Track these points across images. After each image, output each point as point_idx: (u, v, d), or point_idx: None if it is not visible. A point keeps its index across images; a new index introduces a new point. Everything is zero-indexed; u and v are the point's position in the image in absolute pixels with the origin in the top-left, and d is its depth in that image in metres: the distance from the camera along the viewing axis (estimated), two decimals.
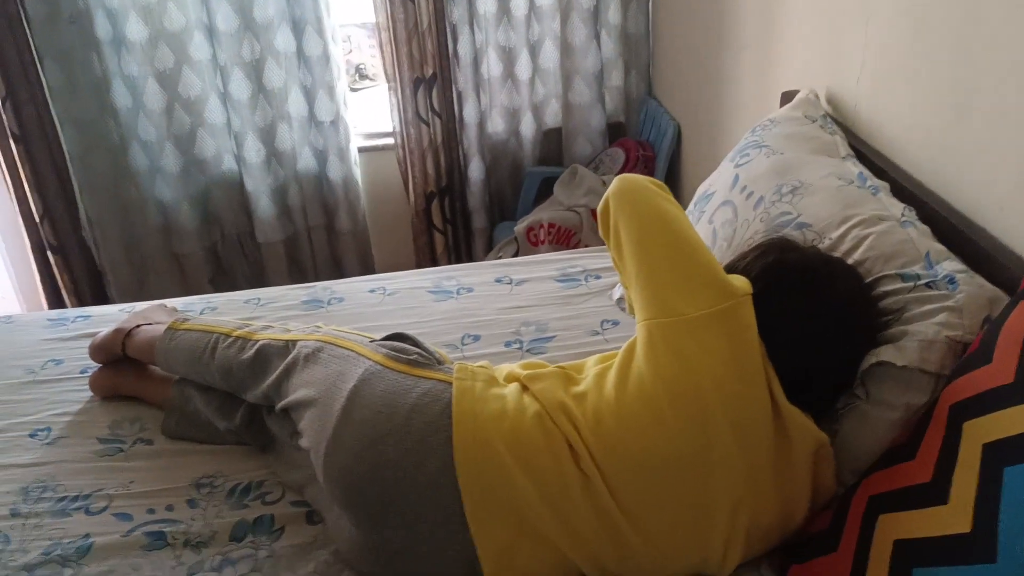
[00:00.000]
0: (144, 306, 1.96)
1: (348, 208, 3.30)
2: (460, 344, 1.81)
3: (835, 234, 1.40)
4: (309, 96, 3.13)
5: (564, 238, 3.02)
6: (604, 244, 2.48)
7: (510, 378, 1.33)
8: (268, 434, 1.55)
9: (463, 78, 3.18)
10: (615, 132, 3.42)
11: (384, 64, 3.16)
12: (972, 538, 0.97)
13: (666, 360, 1.20)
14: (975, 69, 1.36)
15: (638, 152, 3.13)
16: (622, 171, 3.13)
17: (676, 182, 3.15)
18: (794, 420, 1.19)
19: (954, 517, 1.01)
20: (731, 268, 1.32)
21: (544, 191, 3.25)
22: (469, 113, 3.23)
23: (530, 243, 3.01)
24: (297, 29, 3.02)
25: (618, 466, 1.18)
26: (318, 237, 3.37)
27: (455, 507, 1.18)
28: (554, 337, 1.82)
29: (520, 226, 3.05)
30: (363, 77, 4.06)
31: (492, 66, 3.19)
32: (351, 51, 4.05)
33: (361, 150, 3.33)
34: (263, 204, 3.20)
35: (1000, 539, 0.94)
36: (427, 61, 3.10)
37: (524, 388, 1.28)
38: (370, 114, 3.58)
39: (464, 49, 3.13)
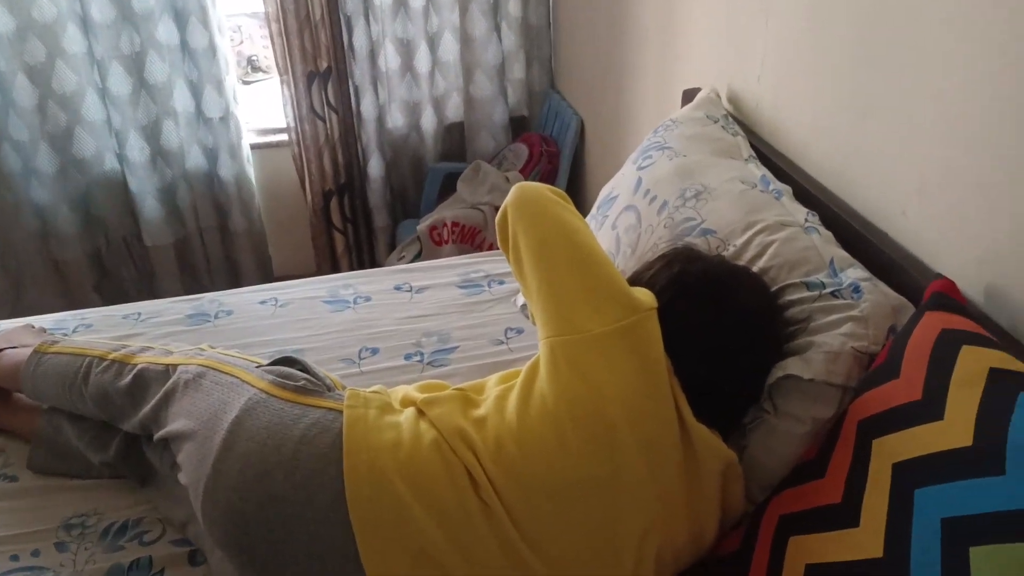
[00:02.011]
0: (7, 326, 1.80)
1: (242, 208, 3.15)
2: (357, 358, 1.71)
3: (739, 241, 1.37)
4: (196, 91, 2.96)
5: (468, 236, 2.94)
6: None
7: (406, 402, 1.25)
8: (147, 465, 1.43)
9: (360, 71, 3.06)
10: (518, 126, 3.36)
11: (276, 57, 3.01)
12: (884, 563, 0.94)
13: (569, 379, 1.14)
14: (875, 69, 1.34)
15: (541, 147, 3.08)
16: (526, 166, 3.07)
17: (580, 177, 3.11)
18: (701, 438, 1.15)
19: (866, 541, 0.98)
20: (635, 280, 1.27)
21: (447, 187, 3.16)
22: (367, 108, 3.11)
23: (433, 242, 2.92)
24: (180, 20, 2.85)
25: (521, 493, 1.11)
26: (211, 238, 3.21)
27: (348, 544, 1.10)
28: (457, 348, 1.74)
29: (423, 225, 2.96)
30: (256, 69, 3.88)
31: (390, 59, 3.08)
32: (242, 42, 3.86)
33: (254, 147, 3.18)
34: (149, 205, 3.02)
35: (912, 565, 0.91)
36: (321, 54, 2.97)
37: (421, 414, 1.20)
38: (264, 109, 3.41)
39: (360, 41, 3.01)
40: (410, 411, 1.21)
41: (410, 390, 1.28)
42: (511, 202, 1.27)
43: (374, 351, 1.74)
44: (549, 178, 3.08)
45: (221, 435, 1.19)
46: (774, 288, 1.29)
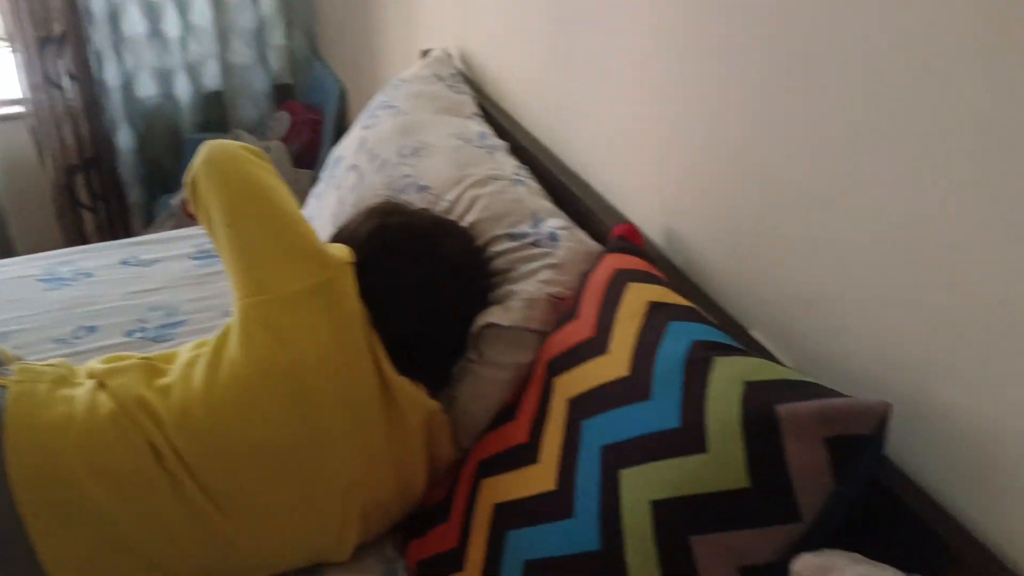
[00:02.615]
0: None
1: None
2: (71, 339, 1.59)
3: (451, 195, 1.37)
4: None
5: None
6: None
7: (91, 375, 1.17)
8: None
9: (99, 36, 2.84)
10: (283, 94, 3.24)
11: (3, 22, 2.75)
12: (556, 494, 0.98)
13: (262, 341, 1.10)
14: (573, 33, 1.38)
15: (304, 115, 2.99)
16: (288, 135, 2.98)
17: None
18: (403, 391, 1.15)
19: (543, 475, 1.01)
20: (337, 236, 1.25)
21: None
22: (111, 75, 2.90)
23: (188, 216, 2.77)
24: None
25: (210, 460, 1.07)
26: None
27: (16, 529, 1.02)
28: (184, 322, 1.66)
29: (177, 199, 2.79)
30: None
31: (134, 23, 2.88)
32: None
33: None
34: None
35: (577, 493, 0.95)
36: (54, 18, 2.74)
37: (102, 385, 1.13)
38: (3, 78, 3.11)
39: (98, 4, 2.79)
40: (90, 383, 1.13)
41: (95, 362, 1.20)
42: (201, 160, 1.21)
43: (91, 329, 1.62)
44: (313, 146, 3.01)
45: None
46: (481, 241, 1.30)
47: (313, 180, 2.93)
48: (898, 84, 0.79)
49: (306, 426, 1.09)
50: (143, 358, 1.19)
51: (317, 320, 1.11)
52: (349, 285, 1.14)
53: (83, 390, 1.11)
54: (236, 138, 2.93)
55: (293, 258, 1.13)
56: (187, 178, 1.23)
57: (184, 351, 1.20)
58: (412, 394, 1.16)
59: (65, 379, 1.14)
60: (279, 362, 1.09)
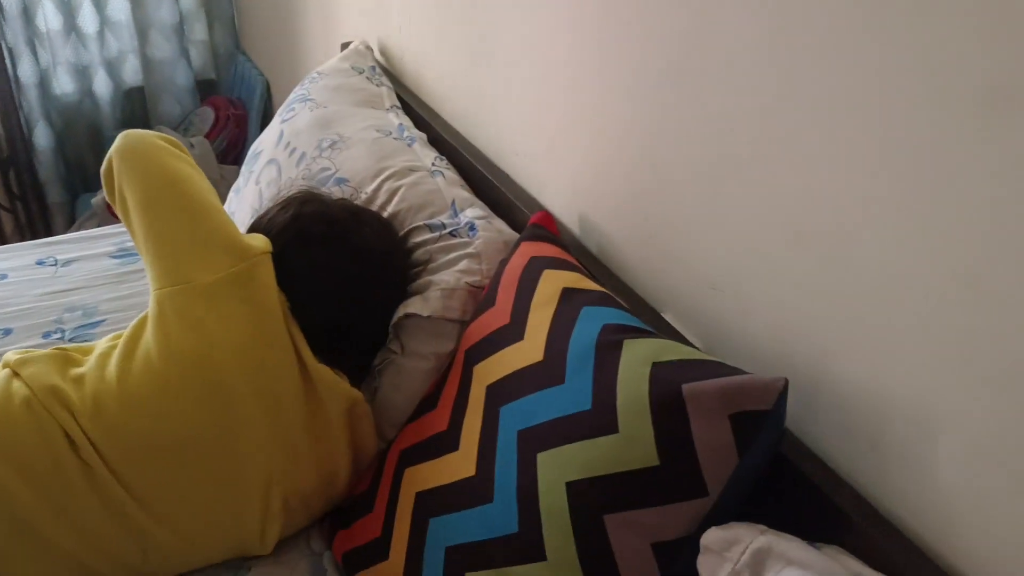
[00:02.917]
0: None
1: None
2: None
3: (370, 188, 1.38)
4: None
5: None
6: None
7: (4, 364, 1.15)
8: None
9: (12, 32, 2.77)
10: (207, 90, 3.20)
11: None
12: (476, 480, 0.99)
13: (178, 332, 1.09)
14: (483, 20, 1.39)
15: (228, 110, 2.95)
16: (212, 130, 2.93)
17: None
18: (324, 380, 1.14)
19: (463, 462, 1.02)
20: (254, 227, 1.25)
21: None
22: (26, 72, 2.83)
23: (111, 215, 2.72)
24: None
25: (125, 454, 1.06)
26: None
27: None
28: (103, 321, 1.63)
29: (99, 197, 2.75)
30: None
31: (49, 18, 2.81)
32: None
33: None
34: None
35: (496, 478, 0.96)
36: None
37: (15, 375, 1.11)
38: None
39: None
40: (3, 373, 1.11)
41: (9, 354, 1.18)
42: (116, 148, 1.18)
43: (7, 331, 1.58)
44: (238, 142, 2.97)
45: None
46: (401, 232, 1.31)
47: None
48: (785, 62, 0.82)
49: (224, 418, 1.08)
50: (58, 349, 1.17)
51: (235, 310, 1.10)
52: (267, 274, 1.14)
53: None
54: None
55: (210, 248, 1.12)
56: (104, 167, 1.21)
57: (101, 342, 1.19)
58: (333, 383, 1.16)
59: None
60: (195, 354, 1.08)
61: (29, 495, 1.02)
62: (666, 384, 0.84)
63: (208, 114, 2.98)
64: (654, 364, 0.87)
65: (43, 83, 2.88)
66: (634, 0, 1.02)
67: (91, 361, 1.12)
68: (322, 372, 1.15)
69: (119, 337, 1.18)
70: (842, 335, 0.81)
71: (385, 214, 1.33)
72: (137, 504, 1.06)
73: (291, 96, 1.71)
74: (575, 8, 1.14)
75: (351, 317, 1.21)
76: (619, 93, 1.08)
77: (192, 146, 2.82)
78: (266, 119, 2.95)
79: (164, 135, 1.23)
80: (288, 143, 1.55)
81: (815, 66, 0.78)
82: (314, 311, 1.17)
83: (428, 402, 1.17)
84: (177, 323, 1.09)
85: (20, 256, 1.82)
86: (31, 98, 2.86)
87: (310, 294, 1.17)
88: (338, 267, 1.20)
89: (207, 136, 2.91)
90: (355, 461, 1.21)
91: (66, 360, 1.14)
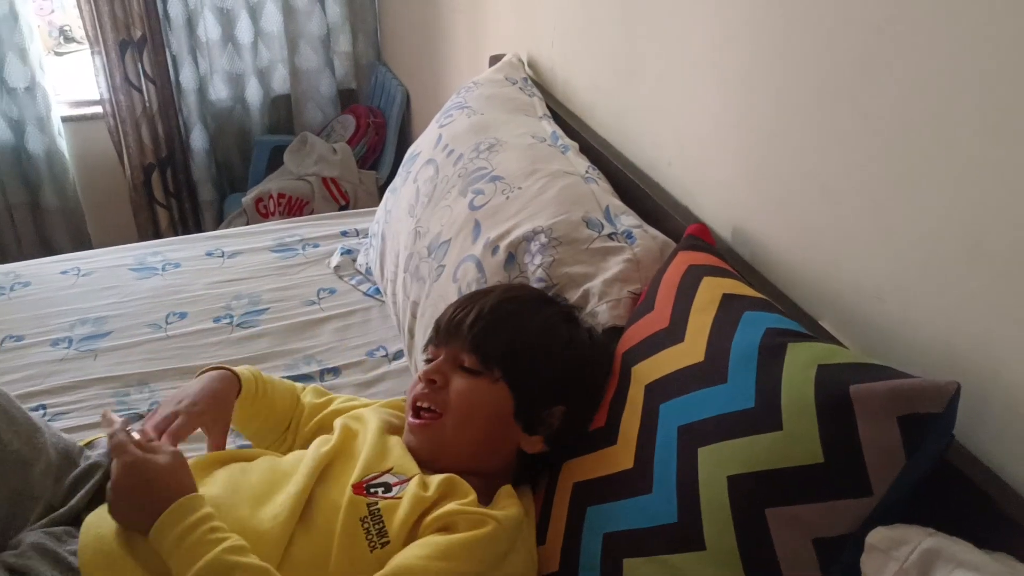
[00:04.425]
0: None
1: (54, 183, 3.01)
2: (164, 323, 1.70)
3: (524, 184, 1.44)
4: None
5: (296, 208, 2.93)
6: (330, 212, 2.42)
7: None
8: None
9: (176, 41, 2.98)
10: (347, 99, 3.35)
11: (85, 25, 2.89)
12: (634, 472, 1.04)
13: None
14: (637, 36, 1.45)
15: (369, 119, 3.09)
16: (353, 138, 3.08)
17: (406, 146, 3.12)
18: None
19: (621, 455, 1.07)
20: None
21: (275, 160, 3.13)
22: (187, 78, 3.04)
23: (260, 214, 2.89)
24: None
25: None
26: (21, 216, 3.05)
27: None
28: (267, 309, 1.75)
29: (248, 197, 2.92)
30: (69, 40, 3.70)
31: (209, 28, 3.01)
32: (53, 11, 3.67)
33: (66, 119, 3.04)
34: None
35: (655, 471, 1.01)
36: (134, 22, 2.88)
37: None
38: (80, 81, 3.26)
39: (175, 10, 2.93)
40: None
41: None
42: None
43: (182, 315, 1.72)
44: (377, 148, 3.10)
45: None
46: (553, 220, 1.35)
47: (378, 181, 3.02)
48: (963, 73, 0.84)
49: None
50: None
51: None
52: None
53: None
54: (303, 140, 3.04)
55: None
56: None
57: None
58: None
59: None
60: None
61: None
62: (833, 385, 0.87)
63: (349, 122, 3.13)
64: (819, 366, 0.90)
65: (201, 89, 3.08)
66: (792, 12, 1.06)
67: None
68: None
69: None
70: (1017, 347, 0.83)
71: (540, 202, 1.38)
72: None
73: (448, 103, 1.80)
74: (730, 22, 1.18)
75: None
76: (778, 105, 1.12)
77: (335, 151, 2.97)
78: (405, 128, 3.08)
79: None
80: (447, 145, 1.64)
81: (995, 75, 0.80)
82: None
83: None
84: None
85: (191, 247, 1.98)
86: (190, 103, 3.06)
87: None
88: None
89: (348, 142, 3.06)
90: None
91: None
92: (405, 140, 3.13)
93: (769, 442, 0.90)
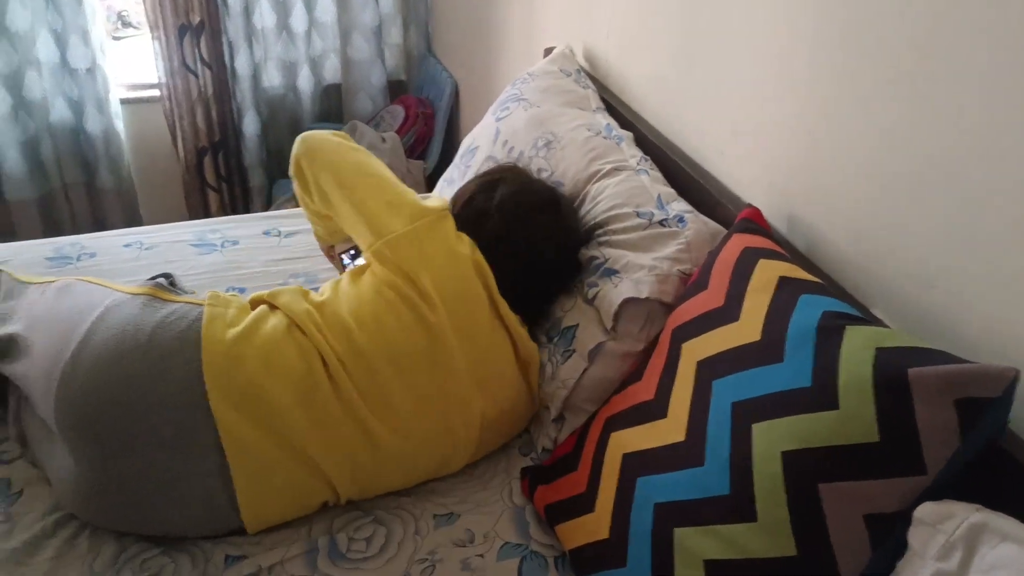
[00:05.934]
0: None
1: (110, 164, 3.09)
2: None
3: (583, 190, 1.50)
4: (60, 41, 2.89)
5: None
6: None
7: (255, 301, 1.35)
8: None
9: (233, 27, 3.05)
10: (396, 89, 3.40)
11: (146, 8, 2.96)
12: (685, 445, 1.07)
13: (388, 269, 1.30)
14: (697, 28, 1.47)
15: (418, 109, 3.14)
16: (402, 127, 3.13)
17: (454, 137, 3.19)
18: (513, 324, 1.35)
19: (671, 428, 1.11)
20: (460, 194, 1.48)
21: None
22: (241, 64, 3.10)
23: None
24: None
25: (362, 363, 1.24)
26: (76, 195, 3.14)
27: (205, 425, 1.16)
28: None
29: None
30: (127, 25, 3.79)
31: (265, 16, 3.08)
32: None
33: (124, 102, 3.12)
34: (11, 158, 2.94)
35: (708, 444, 1.04)
36: (193, 8, 2.95)
37: (272, 308, 1.31)
38: (136, 65, 3.34)
39: None
40: (262, 308, 1.31)
41: (252, 294, 1.37)
42: (303, 152, 1.42)
43: (241, 290, 1.78)
44: (425, 138, 3.15)
45: (84, 328, 1.24)
46: (607, 214, 1.41)
47: (425, 171, 3.07)
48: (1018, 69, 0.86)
49: (425, 338, 1.27)
50: (297, 287, 1.38)
51: (432, 250, 1.31)
52: (450, 226, 1.35)
53: (260, 311, 1.29)
54: (352, 129, 3.10)
55: (395, 208, 1.34)
56: (293, 169, 1.44)
57: (325, 286, 1.39)
58: (518, 323, 1.36)
59: (246, 308, 1.32)
60: (401, 284, 1.29)
61: (299, 413, 1.20)
62: (891, 367, 0.90)
63: (398, 112, 3.18)
64: (878, 348, 0.92)
65: (255, 76, 3.15)
66: (854, 7, 1.08)
67: (326, 289, 1.35)
68: (512, 319, 1.34)
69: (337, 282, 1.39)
70: None
71: (594, 208, 1.45)
72: (371, 410, 1.24)
73: (503, 95, 1.84)
74: (793, 14, 1.20)
75: (530, 275, 1.39)
76: (836, 97, 1.14)
77: (384, 140, 3.02)
78: (453, 119, 3.13)
79: (336, 131, 1.47)
80: (506, 141, 1.68)
81: None
82: (502, 266, 1.35)
83: (633, 375, 1.25)
84: (392, 263, 1.30)
85: (248, 227, 2.03)
86: (244, 89, 3.13)
87: (501, 252, 1.36)
88: (544, 238, 1.40)
89: (397, 131, 3.11)
90: (531, 401, 1.39)
91: (305, 292, 1.35)
92: (453, 131, 3.17)
93: (825, 420, 0.92)
